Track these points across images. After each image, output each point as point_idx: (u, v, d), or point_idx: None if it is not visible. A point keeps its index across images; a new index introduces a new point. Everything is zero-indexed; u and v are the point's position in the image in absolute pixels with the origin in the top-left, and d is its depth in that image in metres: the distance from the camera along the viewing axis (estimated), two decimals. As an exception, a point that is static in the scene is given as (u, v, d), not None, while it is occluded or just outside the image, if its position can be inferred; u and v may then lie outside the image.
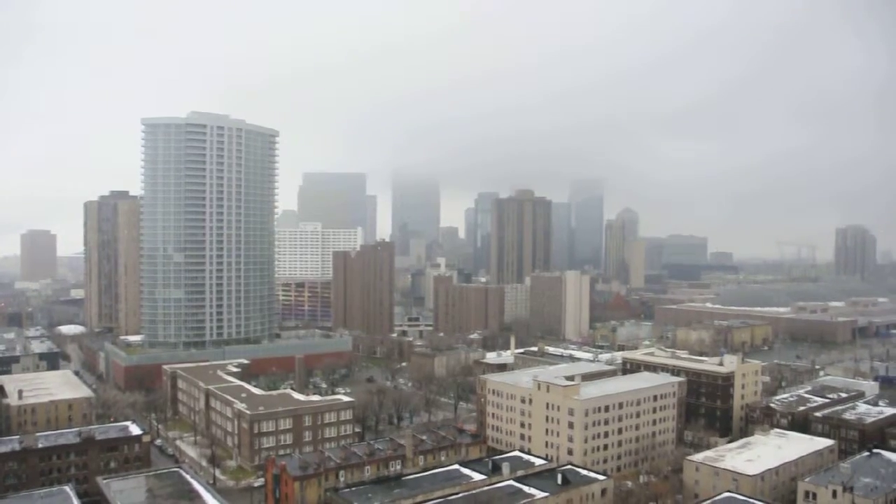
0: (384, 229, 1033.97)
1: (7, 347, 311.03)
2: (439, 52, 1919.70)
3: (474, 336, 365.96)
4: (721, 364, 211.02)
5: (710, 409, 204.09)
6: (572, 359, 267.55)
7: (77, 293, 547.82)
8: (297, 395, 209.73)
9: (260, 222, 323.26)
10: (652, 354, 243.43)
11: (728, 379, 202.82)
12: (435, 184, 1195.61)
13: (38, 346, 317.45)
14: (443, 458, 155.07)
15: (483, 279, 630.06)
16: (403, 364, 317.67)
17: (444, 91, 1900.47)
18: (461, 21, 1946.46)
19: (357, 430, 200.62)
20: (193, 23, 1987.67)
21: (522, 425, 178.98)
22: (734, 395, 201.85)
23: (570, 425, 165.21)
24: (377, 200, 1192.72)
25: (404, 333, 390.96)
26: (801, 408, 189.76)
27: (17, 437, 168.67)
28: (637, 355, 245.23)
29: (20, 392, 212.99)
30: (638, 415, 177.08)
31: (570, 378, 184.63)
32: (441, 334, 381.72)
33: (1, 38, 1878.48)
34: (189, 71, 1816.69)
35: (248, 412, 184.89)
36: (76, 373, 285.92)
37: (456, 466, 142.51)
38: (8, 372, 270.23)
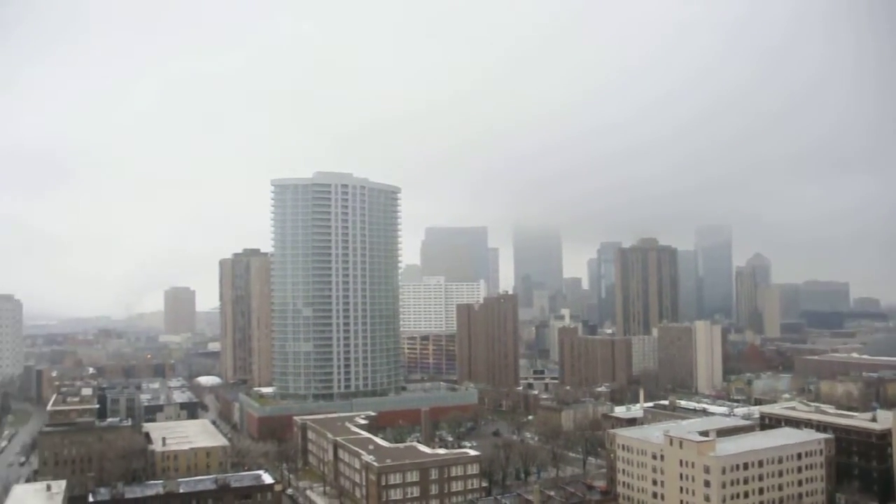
0: (507, 281, 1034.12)
1: (152, 397, 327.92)
2: (548, 106, 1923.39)
3: (601, 389, 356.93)
4: (874, 420, 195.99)
5: (864, 470, 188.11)
6: (705, 413, 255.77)
7: (214, 346, 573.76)
8: (423, 448, 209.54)
9: (384, 277, 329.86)
10: (793, 409, 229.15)
11: (884, 437, 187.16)
12: (556, 235, 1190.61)
13: (179, 396, 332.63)
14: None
15: (609, 330, 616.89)
16: (529, 417, 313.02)
17: (560, 142, 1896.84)
18: (573, 73, 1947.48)
19: (484, 484, 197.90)
20: (308, 84, 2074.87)
21: (655, 482, 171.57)
22: (894, 455, 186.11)
23: (707, 484, 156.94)
24: (499, 253, 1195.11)
25: (530, 386, 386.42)
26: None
27: (161, 481, 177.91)
28: (777, 409, 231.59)
29: (164, 439, 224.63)
30: (781, 474, 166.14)
31: (705, 433, 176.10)
32: (567, 387, 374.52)
33: (146, 111, 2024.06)
34: (316, 133, 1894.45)
35: (375, 464, 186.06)
36: (213, 422, 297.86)
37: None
38: (153, 420, 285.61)
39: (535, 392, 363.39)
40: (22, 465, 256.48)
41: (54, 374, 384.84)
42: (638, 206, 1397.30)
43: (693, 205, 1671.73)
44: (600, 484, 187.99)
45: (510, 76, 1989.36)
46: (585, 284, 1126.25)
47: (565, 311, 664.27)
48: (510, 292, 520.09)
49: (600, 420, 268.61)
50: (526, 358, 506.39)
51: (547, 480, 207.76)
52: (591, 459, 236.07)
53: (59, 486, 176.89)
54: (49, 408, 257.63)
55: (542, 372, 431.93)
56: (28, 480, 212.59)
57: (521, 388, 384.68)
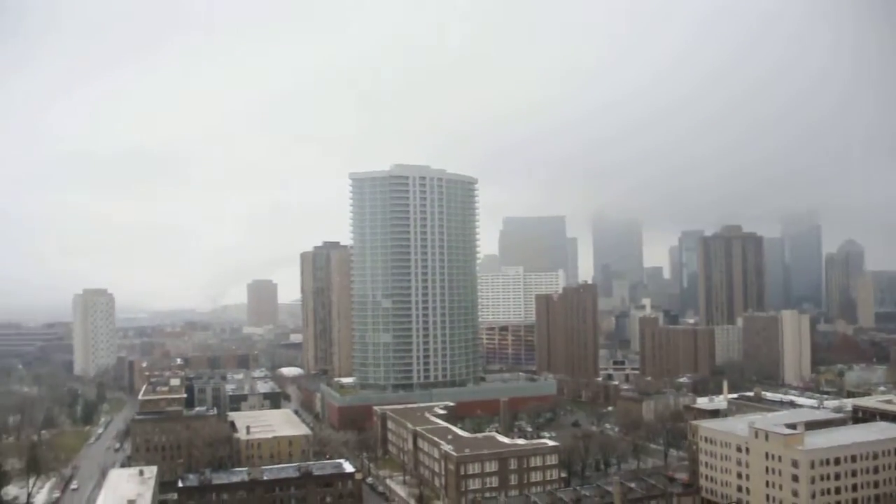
0: (586, 271, 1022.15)
1: (237, 387, 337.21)
2: (622, 87, 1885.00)
3: (683, 380, 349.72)
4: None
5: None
6: (793, 405, 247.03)
7: (296, 337, 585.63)
8: (502, 439, 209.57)
9: (463, 268, 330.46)
10: (889, 402, 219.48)
11: None
12: (636, 223, 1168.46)
13: (262, 387, 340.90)
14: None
15: (691, 320, 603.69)
16: (609, 408, 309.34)
17: (637, 126, 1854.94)
18: (656, 57, 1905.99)
19: (563, 475, 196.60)
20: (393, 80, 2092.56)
21: (739, 476, 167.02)
22: None
23: (794, 478, 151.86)
24: (577, 242, 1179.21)
25: (609, 377, 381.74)
26: None
27: (246, 469, 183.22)
28: (871, 402, 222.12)
29: (248, 428, 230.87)
30: (876, 470, 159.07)
31: (792, 426, 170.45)
32: (648, 378, 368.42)
33: (235, 110, 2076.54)
34: (395, 128, 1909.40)
35: (454, 454, 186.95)
36: (295, 412, 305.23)
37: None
38: (237, 409, 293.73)
39: (615, 383, 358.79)
40: (117, 450, 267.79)
41: (145, 364, 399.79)
42: (722, 195, 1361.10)
43: (778, 189, 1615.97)
44: (682, 476, 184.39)
45: (582, 60, 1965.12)
46: (667, 273, 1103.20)
47: (646, 301, 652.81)
48: (589, 282, 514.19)
49: (682, 411, 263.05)
50: (606, 348, 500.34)
51: (627, 472, 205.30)
52: (673, 451, 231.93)
53: (151, 471, 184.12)
54: (140, 397, 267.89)
55: (622, 362, 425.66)
56: (122, 465, 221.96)
57: (600, 378, 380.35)
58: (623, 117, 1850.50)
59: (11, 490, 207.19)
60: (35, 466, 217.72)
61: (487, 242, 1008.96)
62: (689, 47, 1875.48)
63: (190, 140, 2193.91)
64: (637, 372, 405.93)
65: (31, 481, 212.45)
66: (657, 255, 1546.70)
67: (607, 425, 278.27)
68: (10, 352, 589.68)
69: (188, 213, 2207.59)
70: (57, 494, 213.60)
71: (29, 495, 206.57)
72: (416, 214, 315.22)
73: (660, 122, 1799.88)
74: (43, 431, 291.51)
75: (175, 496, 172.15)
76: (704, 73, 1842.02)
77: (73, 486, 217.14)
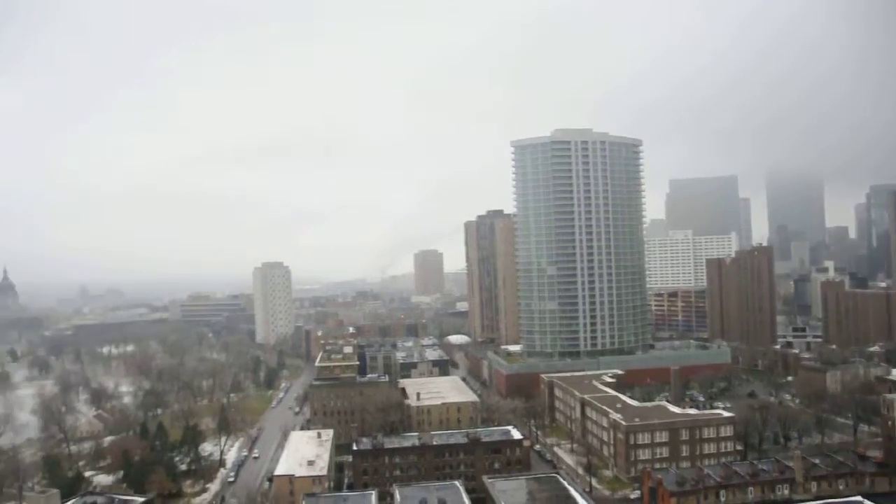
0: (760, 233, 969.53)
1: (406, 354, 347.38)
2: (799, 36, 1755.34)
3: (874, 349, 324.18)
4: None
5: None
6: None
7: (462, 305, 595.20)
8: (672, 408, 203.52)
9: (629, 232, 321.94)
10: None
11: None
12: (817, 179, 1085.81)
13: (430, 354, 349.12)
14: (841, 488, 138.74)
15: (882, 284, 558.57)
16: (788, 378, 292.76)
17: (820, 77, 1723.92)
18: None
19: (738, 447, 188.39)
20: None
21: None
22: None
23: None
24: (750, 203, 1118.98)
25: (789, 345, 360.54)
26: None
27: (416, 434, 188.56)
28: None
29: (418, 394, 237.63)
30: None
31: None
32: (832, 346, 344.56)
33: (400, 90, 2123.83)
34: (557, 92, 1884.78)
35: (623, 423, 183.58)
36: (463, 379, 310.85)
37: (859, 498, 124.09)
38: (407, 376, 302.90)
39: (796, 351, 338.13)
40: (296, 414, 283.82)
41: (320, 333, 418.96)
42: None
43: None
44: (875, 454, 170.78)
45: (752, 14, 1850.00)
46: (852, 233, 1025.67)
47: (829, 263, 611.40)
48: (764, 244, 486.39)
49: (873, 383, 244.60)
50: (784, 314, 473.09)
51: (810, 447, 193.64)
52: (863, 427, 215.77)
53: (328, 434, 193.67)
54: (317, 364, 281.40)
55: (802, 329, 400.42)
56: (302, 428, 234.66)
57: (778, 346, 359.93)
58: (804, 69, 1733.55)
59: (206, 447, 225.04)
60: (226, 427, 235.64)
61: (654, 206, 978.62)
62: None
63: (361, 122, 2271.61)
64: (819, 340, 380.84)
65: (223, 440, 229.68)
66: (841, 213, 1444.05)
67: (787, 396, 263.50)
68: (202, 321, 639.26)
69: (359, 189, 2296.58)
70: (245, 453, 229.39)
71: (221, 452, 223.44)
72: (579, 179, 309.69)
73: (843, 71, 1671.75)
74: (231, 395, 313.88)
75: (349, 458, 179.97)
76: None
77: (255, 454, 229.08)
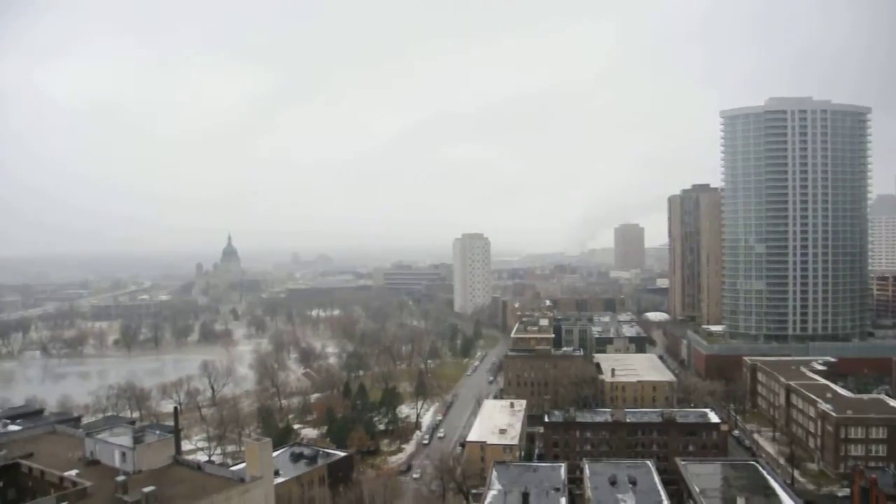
0: None
1: (603, 329, 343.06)
2: None
3: None
4: None
5: None
6: None
7: (662, 282, 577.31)
8: (893, 403, 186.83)
9: (850, 209, 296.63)
10: None
11: None
12: None
13: (627, 330, 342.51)
14: None
15: None
16: None
17: None
18: None
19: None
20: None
21: None
22: None
23: None
24: None
25: None
26: None
27: (609, 409, 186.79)
28: None
29: (612, 370, 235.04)
30: None
31: None
32: None
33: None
34: (775, 57, 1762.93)
35: (833, 414, 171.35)
36: (660, 357, 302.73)
37: None
38: (603, 351, 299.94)
39: None
40: (490, 383, 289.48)
41: (516, 305, 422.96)
42: None
43: None
44: None
45: None
46: None
47: None
48: None
49: None
50: None
51: None
52: None
53: (521, 404, 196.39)
54: (512, 335, 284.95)
55: None
56: (495, 397, 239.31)
57: None
58: None
59: (404, 409, 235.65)
60: (423, 391, 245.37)
61: (882, 181, 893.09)
62: None
63: (572, 94, 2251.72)
64: None
65: (419, 403, 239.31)
66: None
67: None
68: (404, 289, 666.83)
69: (562, 161, 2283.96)
70: (440, 418, 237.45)
71: (417, 416, 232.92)
72: (795, 152, 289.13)
73: None
74: (429, 361, 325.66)
75: (541, 429, 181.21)
76: None
77: (440, 434, 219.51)
